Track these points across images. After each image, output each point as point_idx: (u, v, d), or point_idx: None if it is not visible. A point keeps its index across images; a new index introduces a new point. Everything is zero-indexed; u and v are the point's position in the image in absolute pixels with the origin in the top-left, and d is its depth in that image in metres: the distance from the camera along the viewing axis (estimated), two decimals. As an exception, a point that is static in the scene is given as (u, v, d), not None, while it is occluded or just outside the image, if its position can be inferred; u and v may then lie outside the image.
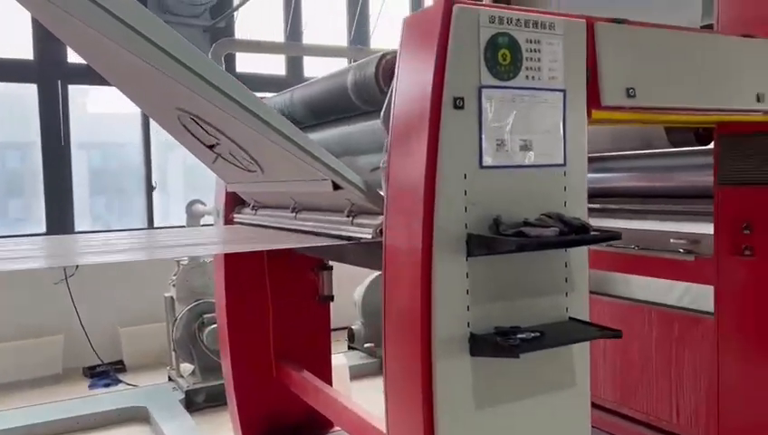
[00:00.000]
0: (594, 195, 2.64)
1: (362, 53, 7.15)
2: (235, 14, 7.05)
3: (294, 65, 7.60)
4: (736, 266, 2.50)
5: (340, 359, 4.55)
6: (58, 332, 6.09)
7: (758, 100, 2.22)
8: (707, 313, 2.73)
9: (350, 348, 6.09)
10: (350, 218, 2.25)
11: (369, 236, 2.04)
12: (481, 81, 1.74)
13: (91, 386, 5.75)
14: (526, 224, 1.75)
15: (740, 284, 2.50)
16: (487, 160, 1.76)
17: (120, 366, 6.17)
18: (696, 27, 2.68)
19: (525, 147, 1.83)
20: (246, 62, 7.25)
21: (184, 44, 1.83)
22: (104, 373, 5.95)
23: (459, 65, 1.72)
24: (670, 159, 3.02)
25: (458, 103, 1.72)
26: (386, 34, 8.12)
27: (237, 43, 6.06)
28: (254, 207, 3.23)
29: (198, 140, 2.68)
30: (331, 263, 3.50)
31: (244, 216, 3.31)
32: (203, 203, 5.52)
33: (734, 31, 2.35)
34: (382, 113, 2.00)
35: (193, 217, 5.50)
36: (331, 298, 3.64)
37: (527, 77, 1.81)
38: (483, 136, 1.75)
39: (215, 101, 1.95)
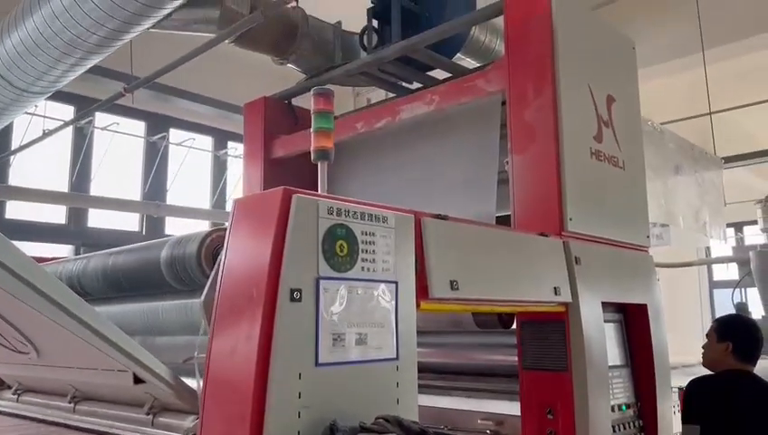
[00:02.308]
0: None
1: (159, 210, 6.82)
2: (11, 157, 6.36)
3: (77, 214, 6.95)
4: (547, 451, 2.57)
5: None
6: None
7: (555, 293, 2.44)
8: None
9: None
10: (151, 417, 1.91)
11: (178, 443, 1.73)
12: (319, 272, 1.66)
13: None
14: (363, 429, 1.61)
15: (548, 469, 2.56)
16: (324, 357, 1.63)
17: None
18: (491, 221, 2.95)
19: (361, 341, 1.74)
20: (19, 208, 6.45)
21: None
22: None
23: (297, 255, 1.62)
24: (476, 338, 3.15)
25: (295, 296, 1.60)
26: (184, 191, 7.91)
27: (13, 191, 5.35)
28: (16, 391, 2.66)
29: (-47, 312, 2.17)
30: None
31: (3, 402, 2.70)
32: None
33: (527, 226, 2.62)
34: (203, 296, 1.79)
35: None
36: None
37: (363, 268, 1.77)
38: (320, 330, 1.63)
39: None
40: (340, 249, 1.72)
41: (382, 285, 1.81)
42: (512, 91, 2.86)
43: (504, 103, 3.00)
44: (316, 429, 1.58)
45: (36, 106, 5.59)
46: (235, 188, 8.45)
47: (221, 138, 8.39)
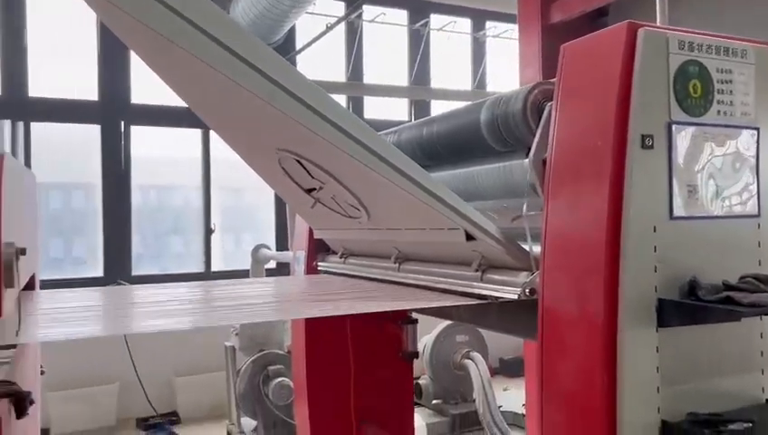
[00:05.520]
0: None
1: (425, 93, 7.00)
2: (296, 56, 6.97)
3: (355, 104, 7.48)
4: None
5: (416, 419, 4.19)
6: (113, 380, 5.86)
7: None
8: None
9: (415, 404, 5.71)
10: (480, 274, 1.97)
11: (515, 296, 1.75)
12: (671, 116, 1.47)
13: (147, 440, 5.50)
14: (728, 287, 1.45)
15: None
16: (678, 210, 1.47)
17: (174, 418, 5.89)
18: None
19: (717, 194, 1.54)
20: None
21: (308, 85, 1.65)
22: (159, 426, 5.67)
23: (646, 98, 1.45)
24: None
25: (647, 142, 1.44)
26: (448, 74, 7.99)
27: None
28: (342, 254, 2.98)
29: (296, 183, 2.45)
30: (415, 316, 3.21)
31: (331, 264, 3.06)
32: (267, 247, 5.31)
33: None
34: (532, 154, 1.73)
35: (258, 263, 5.27)
36: (416, 355, 3.35)
37: (719, 112, 1.53)
38: (673, 181, 1.47)
39: (338, 143, 1.73)
40: (694, 90, 1.50)
41: (742, 132, 1.56)
42: None
43: None
44: (673, 284, 1.46)
45: (314, 4, 5.95)
46: (491, 68, 8.28)
47: (479, 19, 8.18)
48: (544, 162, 1.69)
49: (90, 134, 6.36)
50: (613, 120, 1.45)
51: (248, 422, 4.98)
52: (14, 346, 1.74)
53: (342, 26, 7.08)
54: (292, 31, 6.80)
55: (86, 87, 6.35)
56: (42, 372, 2.60)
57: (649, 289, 1.44)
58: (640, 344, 1.43)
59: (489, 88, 8.23)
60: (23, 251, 1.30)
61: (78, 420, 5.59)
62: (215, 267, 6.77)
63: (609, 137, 1.45)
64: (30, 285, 2.34)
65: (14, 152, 5.97)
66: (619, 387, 1.41)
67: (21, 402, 1.39)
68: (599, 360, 1.43)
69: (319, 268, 3.14)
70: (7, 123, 6.07)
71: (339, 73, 7.43)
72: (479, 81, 8.19)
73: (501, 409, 4.72)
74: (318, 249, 3.20)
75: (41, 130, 6.19)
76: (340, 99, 7.25)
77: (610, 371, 1.42)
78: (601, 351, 1.43)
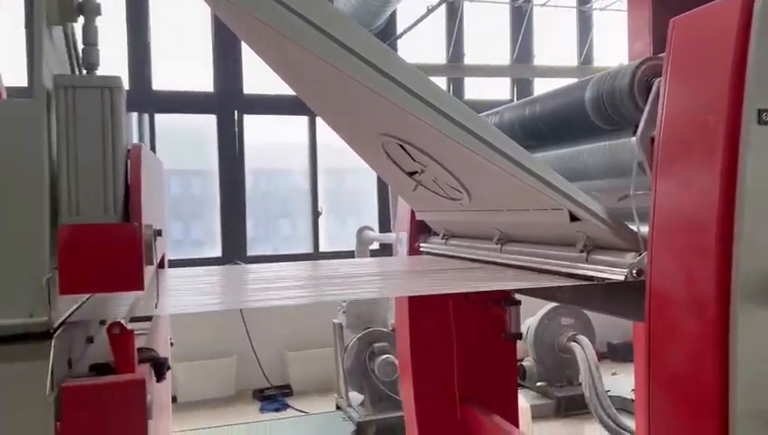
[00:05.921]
0: None
1: (527, 71, 6.86)
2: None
3: (456, 85, 7.46)
4: None
5: (520, 400, 4.19)
6: (231, 354, 6.29)
7: None
8: None
9: (519, 386, 5.69)
10: (585, 254, 1.95)
11: (622, 278, 1.72)
12: (791, 89, 1.39)
13: (262, 410, 5.84)
14: None
15: None
16: (803, 189, 1.40)
17: (287, 390, 6.24)
18: None
19: None
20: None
21: (413, 73, 1.70)
22: (273, 397, 6.03)
23: (764, 71, 1.38)
24: None
25: (764, 117, 1.38)
26: (552, 51, 7.77)
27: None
28: (444, 236, 3.03)
29: (399, 167, 2.52)
30: (519, 297, 3.20)
31: (433, 245, 3.11)
32: (371, 229, 5.46)
33: None
34: (640, 132, 1.69)
35: (362, 244, 5.45)
36: (519, 336, 3.34)
37: None
38: (796, 157, 1.39)
39: (442, 129, 1.77)
40: (818, 61, 1.41)
41: None
42: None
43: None
44: (794, 267, 1.39)
45: (415, -14, 5.98)
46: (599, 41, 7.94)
47: (585, -9, 7.88)
48: (652, 140, 1.65)
49: (207, 123, 6.79)
50: (727, 94, 1.39)
51: (356, 396, 5.19)
52: (149, 318, 1.94)
53: (443, 7, 7.05)
54: (393, 14, 6.87)
55: (203, 79, 6.77)
56: (171, 344, 2.85)
57: (766, 271, 1.38)
58: (756, 329, 1.38)
59: (596, 63, 7.92)
60: (159, 232, 1.45)
61: (200, 389, 6.06)
62: (321, 248, 7.05)
63: (722, 112, 1.40)
64: (161, 264, 2.58)
65: (141, 141, 6.49)
66: (731, 372, 1.37)
67: (160, 368, 1.56)
68: (710, 343, 1.40)
69: (421, 249, 3.21)
70: (134, 115, 6.61)
71: (439, 54, 7.43)
72: (585, 56, 7.89)
73: (609, 393, 4.62)
74: (420, 230, 3.26)
75: (163, 120, 6.69)
76: (441, 81, 7.25)
77: (723, 355, 1.38)
78: (713, 334, 1.39)
